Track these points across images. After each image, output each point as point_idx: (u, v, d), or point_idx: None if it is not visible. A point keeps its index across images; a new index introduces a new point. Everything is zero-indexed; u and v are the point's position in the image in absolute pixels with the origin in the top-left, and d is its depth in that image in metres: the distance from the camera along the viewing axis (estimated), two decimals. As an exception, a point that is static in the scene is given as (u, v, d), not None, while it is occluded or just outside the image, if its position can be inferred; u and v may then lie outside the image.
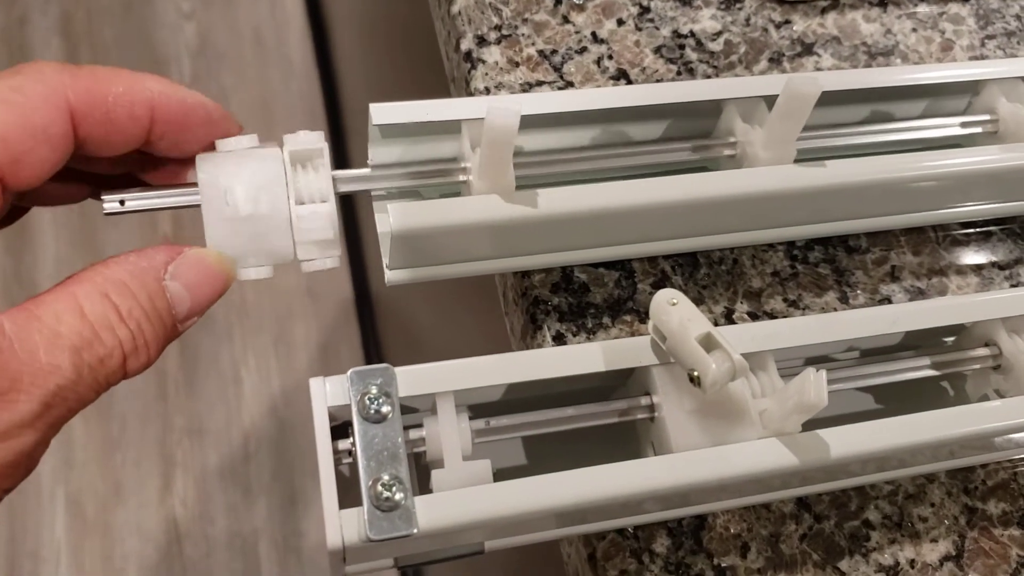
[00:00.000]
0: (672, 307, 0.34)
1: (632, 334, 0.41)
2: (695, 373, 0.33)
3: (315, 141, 0.36)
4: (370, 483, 0.31)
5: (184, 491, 1.46)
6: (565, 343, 0.40)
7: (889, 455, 0.36)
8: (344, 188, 0.38)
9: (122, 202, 0.36)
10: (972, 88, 0.45)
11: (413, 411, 0.36)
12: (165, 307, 0.31)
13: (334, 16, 1.64)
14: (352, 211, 1.47)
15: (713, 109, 0.42)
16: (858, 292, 0.44)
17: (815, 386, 0.32)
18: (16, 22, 1.73)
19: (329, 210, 0.36)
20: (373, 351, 1.53)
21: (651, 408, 0.36)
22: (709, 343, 0.33)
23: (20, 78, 0.30)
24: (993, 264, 0.45)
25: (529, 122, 0.40)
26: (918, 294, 0.44)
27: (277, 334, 1.56)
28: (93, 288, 0.30)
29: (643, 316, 0.41)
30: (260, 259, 0.36)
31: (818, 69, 0.49)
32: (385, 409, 0.33)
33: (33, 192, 0.32)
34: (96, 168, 0.36)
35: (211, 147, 0.36)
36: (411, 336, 1.24)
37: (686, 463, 0.34)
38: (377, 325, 1.54)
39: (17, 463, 0.28)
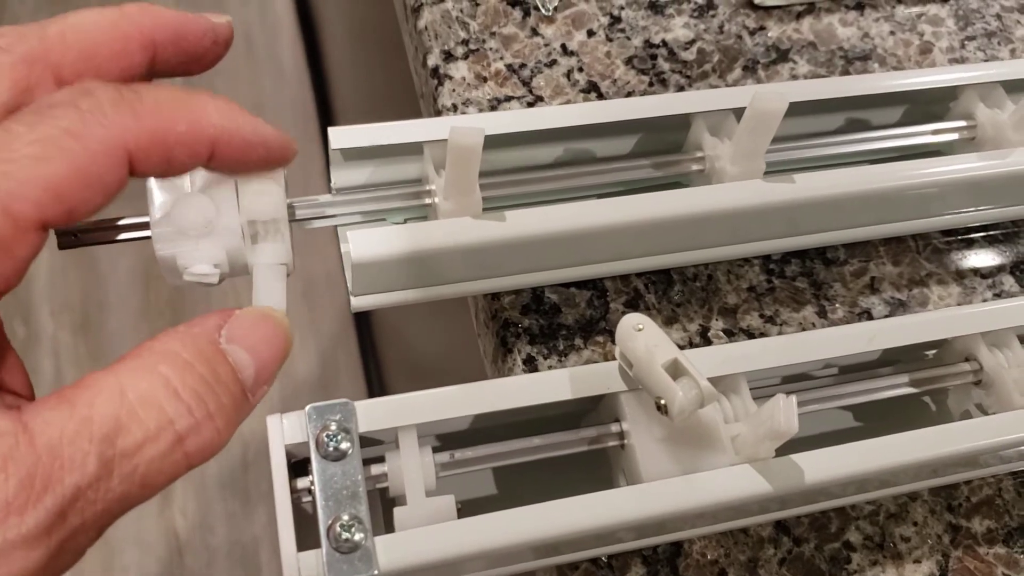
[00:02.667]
0: (638, 332, 0.33)
1: (605, 356, 0.40)
2: (662, 401, 0.32)
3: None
4: (329, 523, 0.31)
5: (183, 501, 1.46)
6: (536, 366, 0.40)
7: (866, 478, 0.36)
8: (303, 214, 0.38)
9: (76, 235, 0.36)
10: (950, 94, 0.44)
11: (378, 443, 0.35)
12: (228, 373, 0.27)
13: (324, 18, 1.63)
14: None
15: (682, 123, 0.41)
16: (836, 305, 0.43)
17: (785, 413, 0.31)
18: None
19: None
20: (370, 359, 1.53)
21: (621, 435, 0.35)
22: (676, 370, 0.32)
23: (77, 117, 0.26)
24: (975, 272, 0.44)
25: (495, 141, 0.39)
26: (898, 306, 0.43)
27: (273, 341, 1.55)
28: (139, 364, 0.26)
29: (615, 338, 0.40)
30: (209, 260, 0.35)
31: (794, 76, 0.48)
32: (344, 446, 0.32)
33: None
34: None
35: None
36: (409, 344, 1.23)
37: (655, 493, 0.33)
38: (374, 333, 1.53)
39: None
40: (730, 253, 0.42)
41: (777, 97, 0.37)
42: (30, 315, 1.53)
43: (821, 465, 0.34)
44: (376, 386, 1.51)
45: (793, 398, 0.32)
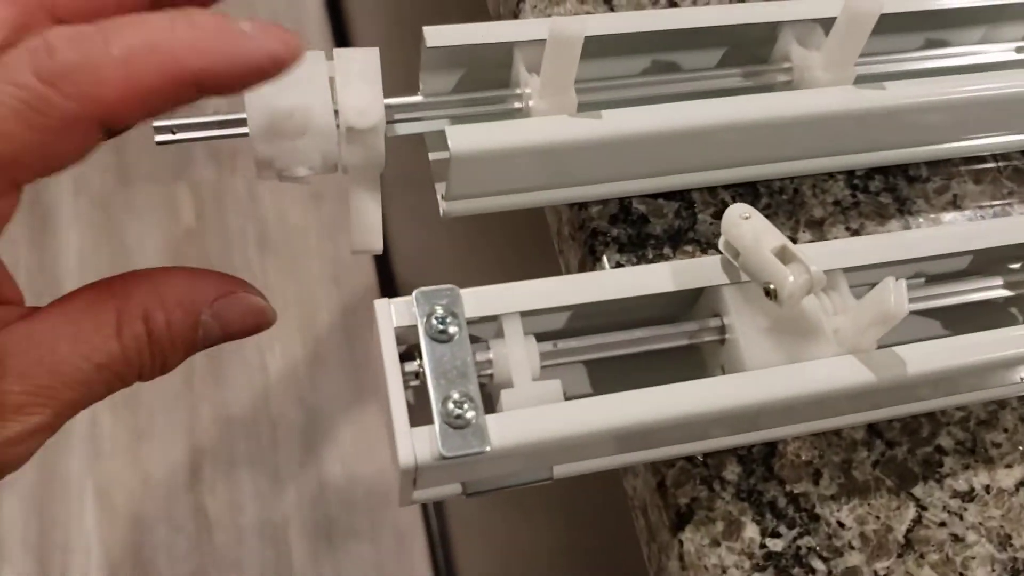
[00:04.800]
0: (745, 221, 0.33)
1: (693, 264, 0.40)
2: (771, 286, 0.32)
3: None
4: (441, 401, 0.31)
5: (212, 480, 1.46)
6: (625, 274, 0.40)
7: (965, 373, 0.35)
8: (397, 116, 0.38)
9: (173, 131, 0.36)
10: (1031, 12, 0.44)
11: (476, 340, 0.35)
12: (192, 339, 0.30)
13: (353, 2, 1.63)
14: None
15: (768, 35, 0.41)
16: (920, 221, 0.43)
17: (895, 294, 0.31)
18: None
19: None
20: (399, 336, 1.53)
21: (721, 330, 0.35)
22: (785, 255, 0.32)
23: (33, 97, 0.25)
24: (1056, 192, 0.44)
25: (584, 49, 0.39)
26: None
27: (302, 321, 1.56)
28: (135, 306, 0.29)
29: (704, 247, 0.41)
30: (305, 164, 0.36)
31: None
32: (452, 329, 0.32)
33: None
34: None
35: None
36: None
37: (762, 380, 0.33)
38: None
39: (13, 466, 0.28)
40: (815, 167, 0.42)
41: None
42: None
43: (922, 356, 0.34)
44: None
45: (903, 280, 0.32)
